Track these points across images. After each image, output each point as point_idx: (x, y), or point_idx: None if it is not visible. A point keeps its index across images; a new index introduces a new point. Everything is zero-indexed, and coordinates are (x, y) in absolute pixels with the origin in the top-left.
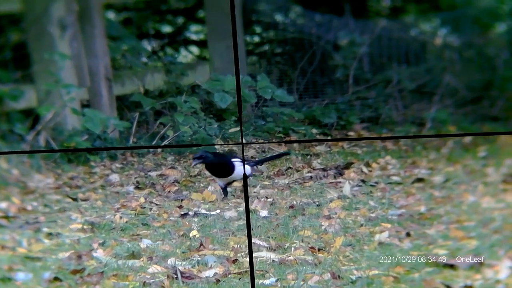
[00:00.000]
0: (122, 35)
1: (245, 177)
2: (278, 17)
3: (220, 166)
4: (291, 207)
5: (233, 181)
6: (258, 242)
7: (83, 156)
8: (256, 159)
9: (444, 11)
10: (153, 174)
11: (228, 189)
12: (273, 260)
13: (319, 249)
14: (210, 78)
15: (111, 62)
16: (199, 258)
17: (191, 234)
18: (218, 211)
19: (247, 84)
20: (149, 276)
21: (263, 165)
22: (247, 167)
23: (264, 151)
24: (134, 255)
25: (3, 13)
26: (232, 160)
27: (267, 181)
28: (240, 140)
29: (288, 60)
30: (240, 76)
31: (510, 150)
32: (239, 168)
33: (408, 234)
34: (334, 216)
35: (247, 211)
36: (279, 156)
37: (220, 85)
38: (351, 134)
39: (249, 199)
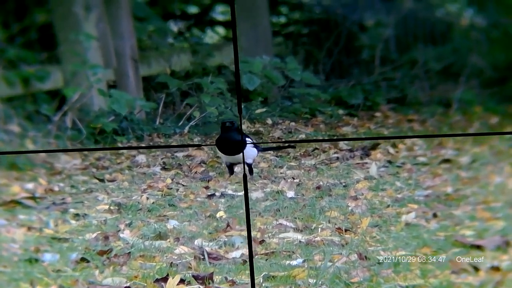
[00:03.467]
0: (148, 16)
1: (245, 177)
2: None
3: (230, 142)
4: (318, 187)
5: (239, 163)
6: (284, 223)
7: (110, 137)
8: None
9: None
10: (180, 155)
11: (255, 169)
12: (299, 241)
13: (345, 230)
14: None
15: (137, 43)
16: (226, 239)
17: (217, 215)
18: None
19: (276, 66)
20: (176, 257)
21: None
22: (254, 150)
23: (290, 132)
24: (161, 236)
25: None
26: (246, 139)
27: (293, 162)
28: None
29: (314, 41)
30: (268, 57)
31: None
32: (249, 149)
33: (435, 215)
34: (360, 197)
35: (247, 210)
36: (285, 147)
37: (249, 67)
38: (378, 114)
39: (276, 179)
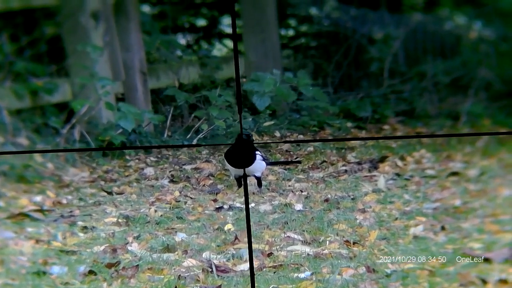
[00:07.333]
0: (153, 30)
1: (245, 177)
2: (313, 11)
3: (241, 155)
4: (326, 200)
5: (248, 176)
6: (293, 235)
7: (118, 150)
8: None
9: (478, 4)
10: (188, 167)
11: (263, 182)
12: (308, 254)
13: (354, 243)
14: (249, 78)
15: (146, 55)
16: (234, 252)
17: (226, 228)
18: (252, 204)
19: (287, 81)
20: (184, 270)
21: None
22: (263, 163)
23: (298, 145)
24: (169, 249)
25: (38, 7)
26: (256, 152)
27: (301, 174)
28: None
29: (323, 54)
30: (278, 72)
31: None
32: (258, 162)
33: (443, 228)
34: (368, 209)
35: (247, 214)
36: (291, 163)
37: (259, 86)
38: (386, 127)
39: (284, 192)
